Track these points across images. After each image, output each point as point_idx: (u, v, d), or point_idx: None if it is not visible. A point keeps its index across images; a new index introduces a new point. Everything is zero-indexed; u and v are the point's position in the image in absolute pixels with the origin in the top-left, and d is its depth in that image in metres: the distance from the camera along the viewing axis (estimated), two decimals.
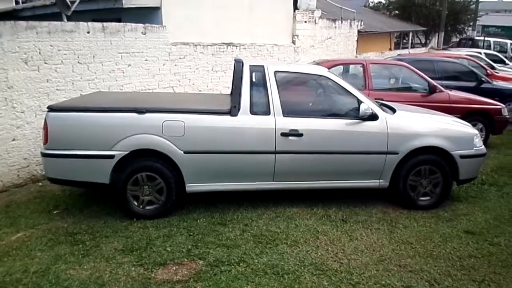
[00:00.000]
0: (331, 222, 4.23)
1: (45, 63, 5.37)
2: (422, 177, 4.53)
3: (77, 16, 6.33)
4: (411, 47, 21.74)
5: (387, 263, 3.48)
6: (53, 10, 7.58)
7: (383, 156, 4.40)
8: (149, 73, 6.78)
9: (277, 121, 4.21)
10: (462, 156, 4.51)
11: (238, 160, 4.23)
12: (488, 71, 10.84)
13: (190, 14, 7.61)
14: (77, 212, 4.38)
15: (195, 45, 7.58)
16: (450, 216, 4.44)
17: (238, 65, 4.45)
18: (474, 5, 25.98)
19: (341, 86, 4.51)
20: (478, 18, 26.59)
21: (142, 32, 6.55)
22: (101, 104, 4.38)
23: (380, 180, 4.52)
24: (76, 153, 4.00)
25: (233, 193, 4.55)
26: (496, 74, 11.31)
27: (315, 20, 11.07)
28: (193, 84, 7.65)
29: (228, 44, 8.25)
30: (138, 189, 4.14)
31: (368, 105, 4.37)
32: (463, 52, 13.85)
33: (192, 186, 4.24)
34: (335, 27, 12.45)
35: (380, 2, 29.28)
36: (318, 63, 7.69)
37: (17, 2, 15.39)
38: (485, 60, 12.73)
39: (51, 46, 5.40)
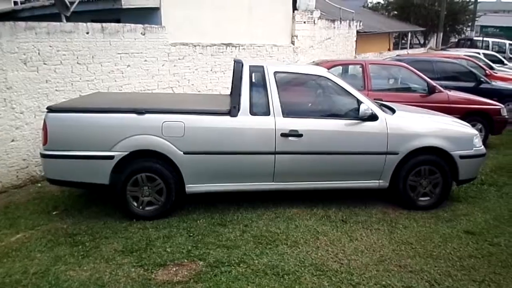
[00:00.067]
0: (331, 223, 4.22)
1: (44, 63, 5.36)
2: (422, 177, 4.54)
3: (76, 16, 6.32)
4: (410, 48, 21.77)
5: (387, 263, 3.48)
6: (52, 10, 7.57)
7: (383, 157, 4.41)
8: (148, 74, 6.78)
9: (277, 122, 4.20)
10: (461, 157, 4.51)
11: (238, 160, 4.22)
12: (486, 72, 10.86)
13: (190, 14, 7.61)
14: (76, 213, 4.37)
15: (194, 46, 7.58)
16: (450, 217, 4.44)
17: (238, 66, 4.44)
18: (472, 6, 26.01)
19: (341, 86, 4.51)
20: (477, 19, 26.61)
21: (141, 33, 6.55)
22: (100, 105, 4.37)
23: (380, 181, 4.52)
24: (76, 154, 3.99)
25: (233, 194, 4.54)
26: (495, 74, 11.34)
27: (314, 21, 11.07)
28: (192, 84, 7.64)
29: (227, 45, 8.25)
30: (138, 190, 4.14)
31: (368, 105, 4.37)
32: (462, 52, 13.88)
33: (192, 187, 4.23)
34: (334, 27, 12.45)
35: (378, 3, 29.33)
36: (317, 64, 7.69)
37: (15, 3, 15.40)
38: (483, 61, 12.75)
39: (50, 46, 5.40)
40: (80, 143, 4.00)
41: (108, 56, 6.12)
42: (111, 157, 3.99)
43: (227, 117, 4.17)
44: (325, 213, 4.43)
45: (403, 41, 22.90)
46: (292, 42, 10.43)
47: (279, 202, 4.62)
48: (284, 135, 4.19)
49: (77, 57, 5.73)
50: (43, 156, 4.09)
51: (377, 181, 4.53)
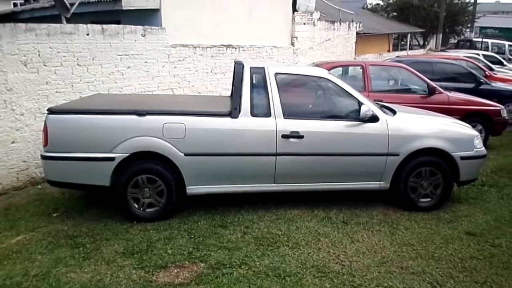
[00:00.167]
0: (332, 224, 4.22)
1: (45, 65, 5.36)
2: (423, 178, 4.53)
3: (76, 18, 6.32)
4: (409, 49, 21.80)
5: (389, 265, 3.47)
6: (52, 12, 7.56)
7: (384, 158, 4.40)
8: (149, 75, 6.77)
9: (277, 123, 4.20)
10: (462, 158, 4.51)
11: (238, 162, 4.22)
12: (486, 73, 10.86)
13: (190, 16, 7.61)
14: (77, 215, 4.36)
15: (195, 47, 7.58)
16: (451, 218, 4.44)
17: (239, 67, 4.44)
18: (472, 7, 26.06)
19: (342, 87, 4.51)
20: (476, 20, 26.65)
21: (141, 34, 6.55)
22: (101, 107, 4.36)
23: (381, 182, 4.52)
24: (76, 156, 3.98)
25: (233, 195, 4.54)
26: (494, 75, 11.34)
27: (314, 22, 11.09)
28: (193, 86, 7.64)
29: (227, 46, 8.26)
30: (139, 191, 4.13)
31: (368, 106, 4.37)
32: (461, 53, 13.89)
33: (192, 188, 4.22)
34: (334, 29, 12.47)
35: (378, 4, 29.36)
36: (317, 65, 7.69)
37: (15, 5, 15.41)
38: (483, 62, 12.77)
39: (50, 48, 5.39)
40: (80, 144, 3.99)
41: (109, 58, 6.11)
42: (112, 159, 3.98)
43: (228, 119, 4.17)
44: (326, 215, 4.42)
45: (402, 43, 22.91)
46: (292, 44, 10.44)
47: (280, 204, 4.62)
48: (285, 136, 4.19)
49: (77, 59, 5.72)
50: (44, 157, 4.08)
51: (378, 182, 4.52)
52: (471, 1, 26.09)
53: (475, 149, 4.63)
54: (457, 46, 21.74)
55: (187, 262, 3.45)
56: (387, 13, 27.09)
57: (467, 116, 6.97)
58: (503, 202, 4.93)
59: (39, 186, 5.29)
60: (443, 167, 4.51)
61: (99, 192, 4.53)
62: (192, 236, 3.89)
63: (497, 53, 18.46)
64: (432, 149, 4.46)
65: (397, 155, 4.40)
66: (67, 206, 4.61)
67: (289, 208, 4.53)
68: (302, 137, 4.22)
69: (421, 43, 25.44)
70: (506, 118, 7.51)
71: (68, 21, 6.07)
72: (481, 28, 32.91)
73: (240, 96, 4.24)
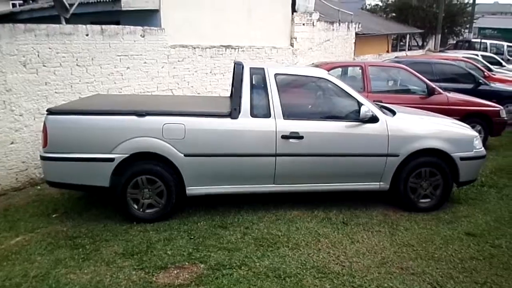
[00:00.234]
0: (332, 225, 4.22)
1: (44, 65, 5.35)
2: (423, 179, 4.53)
3: (75, 18, 6.31)
4: (408, 49, 21.83)
5: (389, 265, 3.47)
6: (51, 12, 7.56)
7: (384, 159, 4.40)
8: (148, 76, 6.77)
9: (277, 124, 4.20)
10: (462, 158, 4.51)
11: (238, 163, 4.21)
12: (485, 73, 10.88)
13: (189, 16, 7.60)
14: (76, 216, 4.35)
15: (194, 48, 7.58)
16: (450, 218, 4.44)
17: (238, 68, 4.43)
18: (470, 8, 26.12)
19: (341, 88, 4.51)
20: (475, 21, 26.73)
21: (141, 35, 6.54)
22: (100, 107, 4.36)
23: (381, 183, 4.52)
24: (76, 156, 3.97)
25: (233, 196, 4.53)
26: (493, 76, 11.36)
27: (313, 23, 11.09)
28: (192, 86, 7.64)
29: (226, 47, 8.25)
30: (138, 192, 4.12)
31: (368, 107, 4.37)
32: (460, 54, 13.92)
33: (192, 189, 4.22)
34: (333, 29, 12.48)
35: (377, 5, 29.40)
36: (316, 66, 7.68)
37: (14, 5, 15.39)
38: (482, 62, 12.79)
39: (49, 48, 5.38)
40: (80, 145, 3.98)
41: (108, 58, 6.11)
42: (112, 160, 3.97)
43: (228, 119, 4.17)
44: (326, 215, 4.42)
45: (401, 43, 22.96)
46: (291, 44, 10.44)
47: (280, 205, 4.61)
48: (284, 137, 4.19)
49: (77, 59, 5.71)
50: (43, 158, 4.07)
51: (378, 183, 4.52)
52: (469, 2, 26.15)
53: (474, 150, 4.63)
54: (456, 46, 21.79)
55: (187, 263, 3.44)
56: (386, 13, 27.14)
57: (466, 116, 6.98)
58: (502, 202, 4.93)
59: (38, 187, 5.28)
60: (443, 167, 4.51)
61: (99, 193, 4.52)
62: (192, 237, 3.89)
63: (495, 53, 18.49)
64: (431, 149, 4.46)
65: (397, 155, 4.40)
66: (67, 207, 4.60)
67: (289, 209, 4.53)
68: (301, 137, 4.21)
69: (420, 43, 25.49)
70: (505, 118, 7.51)
71: (67, 21, 6.06)
72: (480, 28, 32.98)
73: (240, 97, 4.24)
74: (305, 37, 10.82)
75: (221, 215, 4.37)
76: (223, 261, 3.46)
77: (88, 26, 5.84)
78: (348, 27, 13.46)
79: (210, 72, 7.97)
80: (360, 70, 7.41)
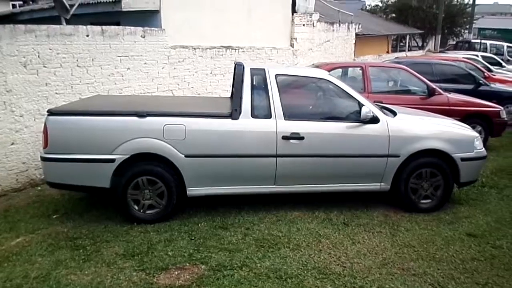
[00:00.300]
0: (332, 226, 4.21)
1: (44, 66, 5.35)
2: (423, 180, 4.53)
3: (75, 19, 6.31)
4: (408, 50, 21.84)
5: (390, 266, 3.47)
6: (51, 13, 7.56)
7: (384, 159, 4.40)
8: (148, 77, 6.77)
9: (278, 125, 4.20)
10: (463, 159, 4.51)
11: (239, 163, 4.21)
12: (485, 74, 10.87)
13: (189, 17, 7.61)
14: (77, 217, 4.34)
15: (194, 49, 7.58)
16: (451, 219, 4.43)
17: (239, 69, 4.43)
18: (470, 8, 26.13)
19: (342, 89, 4.51)
20: (474, 21, 26.75)
21: (141, 36, 6.54)
22: (101, 108, 4.36)
23: (381, 183, 4.52)
24: (77, 157, 3.97)
25: (233, 197, 4.53)
26: (493, 76, 11.36)
27: (313, 23, 11.10)
28: (192, 87, 7.64)
29: (227, 48, 8.26)
30: (139, 193, 4.12)
31: (369, 108, 4.36)
32: (460, 54, 13.91)
33: (193, 190, 4.21)
34: (333, 30, 12.48)
35: (377, 5, 29.45)
36: (317, 66, 7.69)
37: (14, 6, 15.39)
38: (482, 63, 12.78)
39: (50, 49, 5.38)
40: (81, 146, 3.98)
41: (108, 59, 6.10)
42: (112, 160, 3.97)
43: (229, 120, 4.16)
44: (326, 216, 4.42)
45: (401, 44, 22.97)
46: (291, 45, 10.45)
47: (281, 205, 4.61)
48: (285, 138, 4.18)
49: (77, 60, 5.71)
50: (44, 159, 4.06)
51: (379, 183, 4.52)
52: (469, 3, 26.17)
53: (475, 150, 4.63)
54: (456, 47, 21.80)
55: (187, 264, 3.44)
56: (386, 14, 27.18)
57: (466, 117, 6.97)
58: (503, 203, 4.93)
59: (39, 188, 5.27)
60: (444, 168, 4.51)
61: (99, 193, 4.52)
62: (193, 238, 3.88)
63: (495, 54, 18.48)
64: (432, 150, 4.46)
65: (398, 156, 4.40)
66: (67, 208, 4.59)
67: (289, 210, 4.53)
68: (302, 138, 4.21)
69: (420, 44, 25.50)
70: (506, 119, 7.51)
71: (68, 22, 6.06)
72: (480, 29, 32.99)
73: (241, 98, 4.23)
74: (305, 38, 10.83)
75: (221, 216, 4.36)
76: (224, 262, 3.45)
77: (88, 27, 5.84)
78: (348, 28, 13.47)
79: (211, 73, 7.97)
80: (361, 71, 7.40)
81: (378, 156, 4.40)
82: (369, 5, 30.81)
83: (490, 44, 21.47)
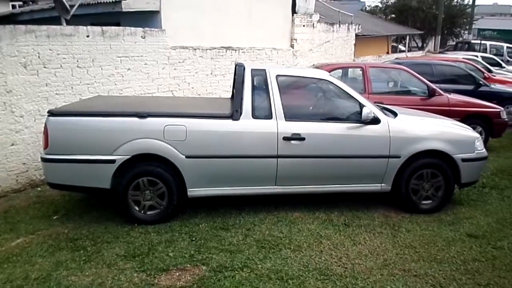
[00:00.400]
0: (333, 227, 4.21)
1: (44, 67, 5.34)
2: (424, 180, 4.52)
3: (75, 20, 6.30)
4: (408, 51, 21.85)
5: (391, 267, 3.46)
6: (51, 14, 7.56)
7: (385, 160, 4.39)
8: (149, 77, 6.76)
9: (279, 125, 4.19)
10: (464, 160, 4.50)
11: (240, 164, 4.20)
12: (485, 74, 10.88)
13: (189, 18, 7.60)
14: (77, 218, 4.33)
15: (194, 49, 7.57)
16: (452, 220, 4.43)
17: (240, 69, 4.43)
18: (470, 9, 26.15)
19: (343, 90, 4.51)
20: (474, 22, 26.77)
21: (141, 36, 6.54)
22: (102, 109, 4.35)
23: (382, 184, 4.51)
24: (77, 158, 3.96)
25: (234, 198, 4.52)
26: (493, 77, 11.36)
27: (313, 24, 11.10)
28: (193, 88, 7.63)
29: (227, 48, 8.25)
30: (140, 194, 4.11)
31: (370, 108, 4.36)
32: (460, 55, 13.92)
33: (193, 191, 4.21)
34: (333, 31, 12.48)
35: (376, 6, 29.46)
36: (317, 67, 7.69)
37: (13, 6, 15.38)
38: (481, 64, 12.79)
39: (50, 50, 5.37)
40: (81, 147, 3.97)
41: (109, 60, 6.10)
42: (113, 161, 3.96)
43: (229, 121, 4.16)
44: (327, 217, 4.41)
45: (401, 44, 22.97)
46: (292, 46, 10.45)
47: (281, 206, 4.61)
48: (286, 138, 4.18)
49: (77, 61, 5.70)
50: (44, 160, 4.05)
51: (379, 184, 4.51)
52: (469, 3, 26.20)
53: (476, 151, 4.63)
54: (456, 48, 21.80)
55: (188, 265, 3.43)
56: (386, 15, 27.18)
57: (467, 118, 6.98)
58: (504, 204, 4.93)
59: (39, 189, 5.26)
60: (445, 169, 4.50)
61: (100, 194, 4.50)
62: (194, 239, 3.88)
63: (495, 55, 18.49)
64: (433, 151, 4.46)
65: (399, 157, 4.39)
66: (67, 209, 4.58)
67: (290, 211, 4.52)
68: (303, 139, 4.20)
69: (420, 45, 25.51)
70: (506, 119, 7.51)
71: (68, 23, 6.05)
72: (479, 30, 33.03)
73: (241, 98, 4.23)
74: (305, 39, 10.83)
75: (222, 217, 4.36)
76: (225, 263, 3.45)
77: (88, 27, 5.83)
78: (348, 29, 13.47)
79: (211, 73, 7.96)
80: (361, 72, 7.40)
81: (379, 157, 4.39)
82: (369, 6, 30.83)
83: (490, 44, 21.47)
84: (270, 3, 9.58)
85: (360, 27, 14.32)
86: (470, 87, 8.72)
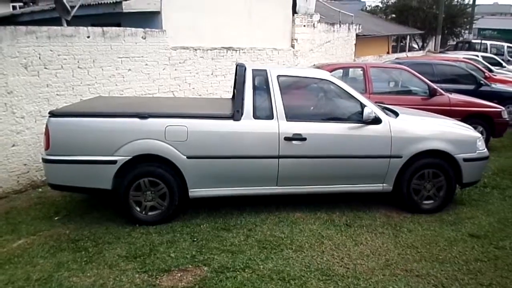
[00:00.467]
0: (335, 227, 4.20)
1: (45, 68, 5.34)
2: (426, 180, 4.52)
3: (76, 21, 6.30)
4: (409, 51, 21.83)
5: (393, 267, 3.45)
6: (52, 15, 7.56)
7: (387, 160, 4.39)
8: (149, 78, 6.76)
9: (280, 126, 4.19)
10: (465, 160, 4.50)
11: (241, 164, 4.20)
12: (486, 74, 10.86)
13: (190, 18, 7.60)
14: (78, 219, 4.33)
15: (195, 50, 7.57)
16: (454, 220, 4.42)
17: (241, 70, 4.42)
18: (470, 8, 26.13)
19: (344, 90, 4.50)
20: (474, 21, 26.75)
21: (142, 37, 6.54)
22: (103, 109, 4.35)
23: (384, 184, 4.51)
24: (78, 159, 3.96)
25: (235, 198, 4.51)
26: (494, 77, 11.35)
27: (313, 24, 11.09)
28: (193, 88, 7.63)
29: (227, 49, 8.25)
30: (141, 194, 4.10)
31: (371, 108, 4.35)
32: (461, 55, 13.91)
33: (195, 191, 4.20)
34: (334, 31, 12.47)
35: (377, 6, 29.44)
36: (318, 67, 7.68)
37: (14, 7, 15.39)
38: (482, 63, 12.78)
39: (51, 51, 5.37)
40: (82, 147, 3.97)
41: (109, 60, 6.10)
42: (114, 162, 3.96)
43: (231, 121, 4.15)
44: (329, 217, 4.40)
45: (401, 44, 22.96)
46: (292, 46, 10.44)
47: (283, 206, 4.60)
48: (287, 139, 4.17)
49: (78, 61, 5.71)
50: (45, 161, 4.05)
51: (381, 184, 4.51)
52: (469, 3, 26.17)
53: (477, 151, 4.62)
54: (456, 47, 21.79)
55: (190, 266, 3.42)
56: (386, 15, 27.16)
57: (468, 117, 6.96)
58: (505, 203, 4.92)
59: (40, 190, 5.26)
60: (446, 169, 4.50)
61: (101, 195, 4.50)
62: (195, 240, 3.87)
63: (496, 54, 18.48)
64: (435, 151, 4.45)
65: (400, 157, 4.39)
66: (69, 210, 4.58)
67: (291, 211, 4.51)
68: (304, 139, 4.20)
69: (420, 45, 25.49)
70: (507, 119, 7.50)
71: (69, 23, 6.05)
72: (480, 29, 33.02)
73: (243, 99, 4.22)
74: (306, 39, 10.82)
75: (223, 217, 4.35)
76: (227, 264, 3.44)
77: (89, 28, 5.83)
78: (349, 29, 13.46)
79: (212, 74, 7.96)
80: (362, 72, 7.39)
81: (380, 157, 4.39)
82: (369, 6, 30.81)
83: (490, 44, 21.46)
84: (270, 3, 9.57)
85: (360, 27, 14.31)
86: (471, 87, 8.72)
